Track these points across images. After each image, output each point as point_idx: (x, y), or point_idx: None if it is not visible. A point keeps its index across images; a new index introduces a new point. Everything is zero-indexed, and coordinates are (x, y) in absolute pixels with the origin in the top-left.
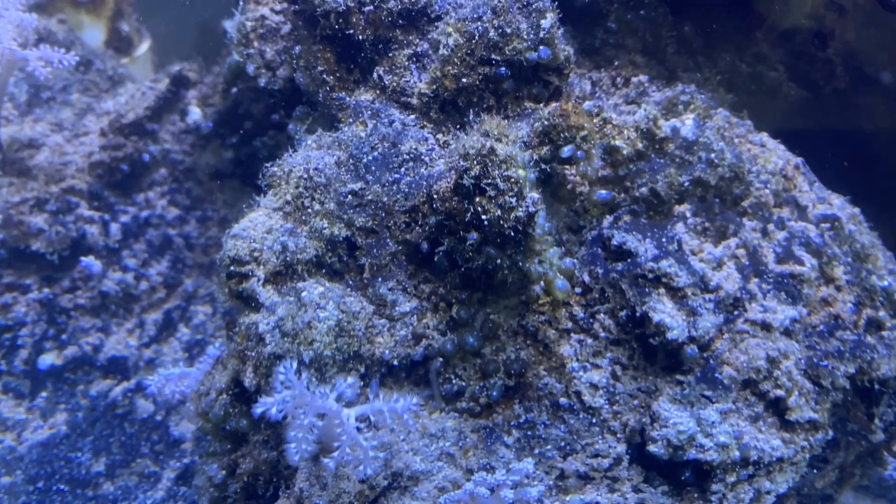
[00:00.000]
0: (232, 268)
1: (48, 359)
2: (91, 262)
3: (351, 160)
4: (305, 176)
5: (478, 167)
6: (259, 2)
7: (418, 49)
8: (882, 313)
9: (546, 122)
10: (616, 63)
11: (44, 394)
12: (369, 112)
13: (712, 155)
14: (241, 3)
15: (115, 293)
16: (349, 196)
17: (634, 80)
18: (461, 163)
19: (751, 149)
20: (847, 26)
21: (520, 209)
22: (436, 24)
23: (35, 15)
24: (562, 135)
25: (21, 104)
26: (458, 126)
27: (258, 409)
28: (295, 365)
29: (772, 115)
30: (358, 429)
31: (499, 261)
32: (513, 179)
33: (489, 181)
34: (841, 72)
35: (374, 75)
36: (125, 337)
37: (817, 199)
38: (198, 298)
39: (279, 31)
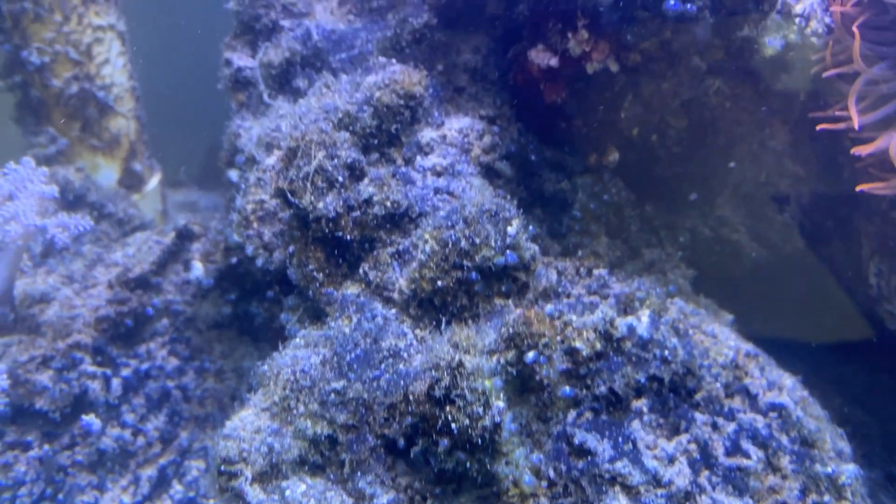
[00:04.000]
0: (222, 467)
1: None
2: (91, 421)
3: (335, 358)
4: (292, 379)
5: (448, 378)
6: (261, 187)
7: (400, 247)
8: (826, 498)
9: (511, 330)
10: (580, 253)
11: None
12: (354, 307)
13: (666, 352)
14: (242, 186)
15: (113, 450)
16: (332, 395)
17: (596, 272)
18: (433, 373)
19: (703, 341)
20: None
21: (486, 419)
22: (418, 221)
23: (55, 187)
24: (525, 341)
25: (36, 255)
26: (434, 322)
27: None
28: None
29: (736, 275)
30: None
31: (468, 464)
32: (479, 391)
33: (458, 392)
34: (797, 234)
35: (360, 270)
36: (119, 494)
37: (767, 386)
38: (192, 453)
39: (276, 215)
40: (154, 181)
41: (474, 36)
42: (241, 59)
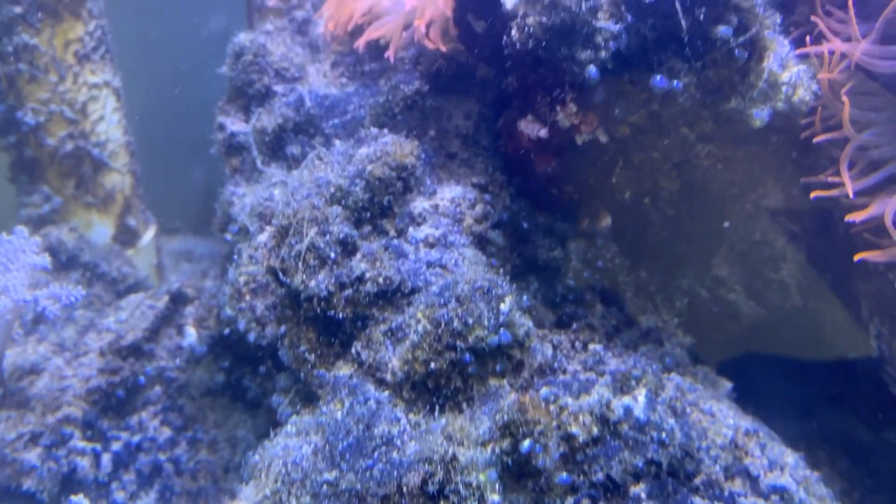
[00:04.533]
0: None
1: None
2: (80, 502)
3: (327, 447)
4: (284, 471)
5: (441, 473)
6: (253, 264)
7: (393, 324)
8: None
9: (506, 417)
10: (574, 325)
11: None
12: (346, 390)
13: (663, 435)
14: (235, 258)
15: None
16: (324, 486)
17: (591, 347)
18: (426, 466)
19: (701, 420)
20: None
21: None
22: (411, 297)
23: (47, 257)
24: (520, 429)
25: (27, 322)
26: (428, 406)
27: None
28: None
29: (734, 335)
30: None
31: None
32: (474, 485)
33: (452, 487)
34: (795, 292)
35: (353, 350)
36: None
37: (769, 466)
38: None
39: (269, 287)
40: (149, 235)
41: (465, 101)
42: (235, 124)
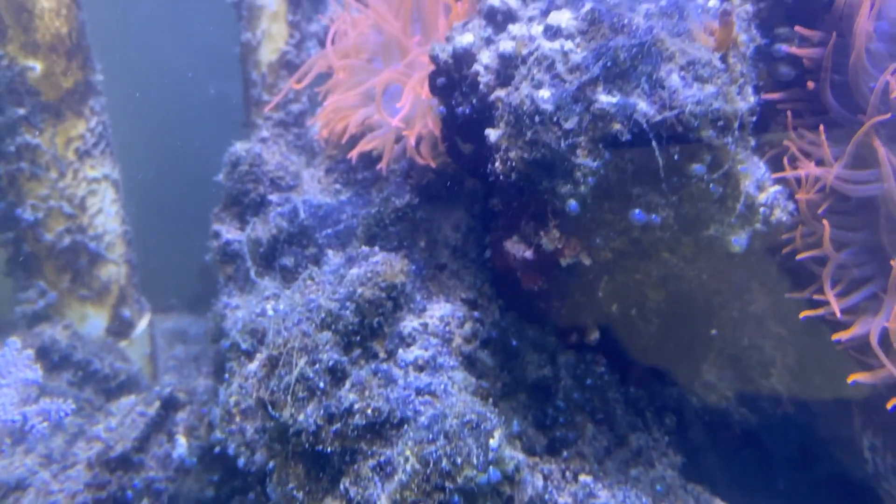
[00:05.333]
0: None
1: None
2: None
3: None
4: None
5: None
6: (243, 391)
7: (382, 459)
8: None
9: None
10: (565, 454)
11: None
12: None
13: None
14: (226, 376)
15: None
16: None
17: (582, 479)
18: None
19: None
20: None
21: None
22: (399, 428)
23: (39, 369)
24: None
25: (15, 431)
26: None
27: None
28: None
29: (728, 445)
30: None
31: None
32: None
33: None
34: (786, 399)
35: (341, 486)
36: None
37: None
38: None
39: (259, 410)
40: (143, 324)
41: (454, 212)
42: (230, 232)
